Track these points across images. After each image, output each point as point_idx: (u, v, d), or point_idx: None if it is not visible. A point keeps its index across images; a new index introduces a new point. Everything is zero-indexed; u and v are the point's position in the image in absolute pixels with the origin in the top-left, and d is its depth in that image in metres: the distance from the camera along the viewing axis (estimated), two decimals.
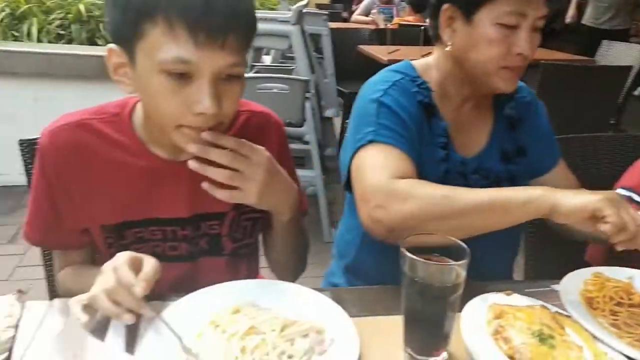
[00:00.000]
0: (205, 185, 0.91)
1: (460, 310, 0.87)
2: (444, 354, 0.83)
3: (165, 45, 0.82)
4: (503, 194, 0.95)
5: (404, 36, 4.58)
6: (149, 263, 0.87)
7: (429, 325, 0.82)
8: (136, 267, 0.85)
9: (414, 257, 0.77)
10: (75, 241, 1.08)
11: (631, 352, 0.82)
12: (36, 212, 1.06)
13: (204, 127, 0.89)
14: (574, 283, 0.98)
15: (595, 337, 0.85)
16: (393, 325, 0.86)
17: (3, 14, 3.73)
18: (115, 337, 0.82)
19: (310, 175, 3.16)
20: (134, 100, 1.04)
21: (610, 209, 0.86)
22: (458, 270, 0.78)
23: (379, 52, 4.21)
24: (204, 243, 1.09)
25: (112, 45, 0.90)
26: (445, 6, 1.12)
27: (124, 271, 0.82)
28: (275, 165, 0.97)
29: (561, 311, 0.90)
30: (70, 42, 3.83)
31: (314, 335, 0.84)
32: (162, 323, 0.83)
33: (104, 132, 1.01)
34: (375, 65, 4.75)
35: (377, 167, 1.04)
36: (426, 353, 0.82)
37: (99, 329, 0.84)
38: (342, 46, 4.51)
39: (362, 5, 6.78)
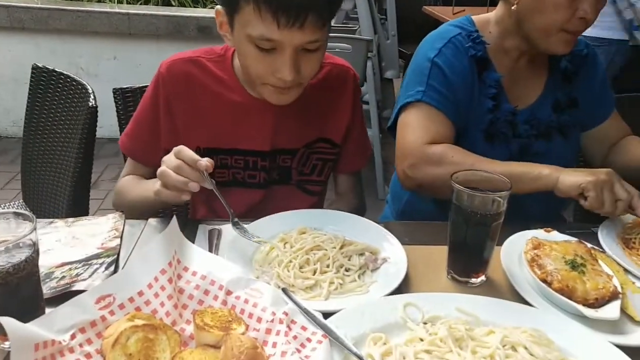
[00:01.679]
0: None
1: (501, 244, 0.97)
2: (482, 277, 0.94)
3: (254, 23, 0.97)
4: (518, 169, 1.07)
5: None
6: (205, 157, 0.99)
7: (470, 251, 0.92)
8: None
9: (462, 187, 0.88)
10: (157, 159, 1.16)
11: None
12: (137, 127, 1.24)
13: (285, 87, 1.05)
14: (614, 226, 1.05)
15: (626, 270, 0.93)
16: (439, 253, 0.98)
17: None
18: (200, 244, 0.99)
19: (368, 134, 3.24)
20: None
21: (593, 191, 0.99)
22: (499, 200, 0.87)
23: (444, 12, 4.16)
24: (275, 174, 1.25)
25: (218, 7, 1.06)
26: None
27: (186, 151, 0.96)
28: None
29: (597, 248, 0.98)
30: (146, 3, 4.03)
31: (368, 254, 0.96)
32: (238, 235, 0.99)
33: (210, 69, 1.19)
34: None
35: (418, 128, 1.18)
36: (466, 275, 0.93)
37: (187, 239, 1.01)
38: (406, 7, 4.47)
39: None
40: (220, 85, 1.19)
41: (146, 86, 1.52)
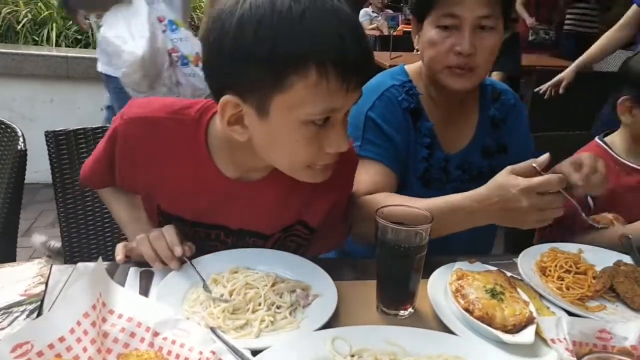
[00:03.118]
0: None
1: (428, 277, 1.01)
2: (410, 309, 0.96)
3: (316, 97, 0.82)
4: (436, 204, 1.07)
5: (407, 42, 4.71)
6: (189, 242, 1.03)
7: (397, 283, 0.95)
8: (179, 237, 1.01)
9: (386, 222, 0.91)
10: (115, 184, 1.19)
11: (570, 307, 0.96)
12: (96, 163, 1.15)
13: (333, 162, 0.95)
14: (532, 255, 1.12)
15: (541, 296, 0.99)
16: (370, 288, 1.00)
17: (25, 19, 3.91)
18: (131, 286, 0.98)
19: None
20: (214, 110, 1.03)
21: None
22: (421, 233, 0.91)
23: (382, 57, 4.36)
24: None
25: (229, 97, 0.87)
26: (412, 17, 1.28)
27: (171, 231, 1.00)
28: None
29: (516, 276, 1.04)
30: (86, 46, 4.01)
31: (300, 291, 0.97)
32: (173, 272, 1.01)
33: (176, 136, 1.03)
34: (379, 71, 4.89)
35: (356, 182, 1.20)
36: (394, 307, 0.96)
37: (118, 281, 0.99)
38: None
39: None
40: (185, 157, 1.03)
41: (81, 129, 1.52)
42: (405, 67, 1.36)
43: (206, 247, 1.13)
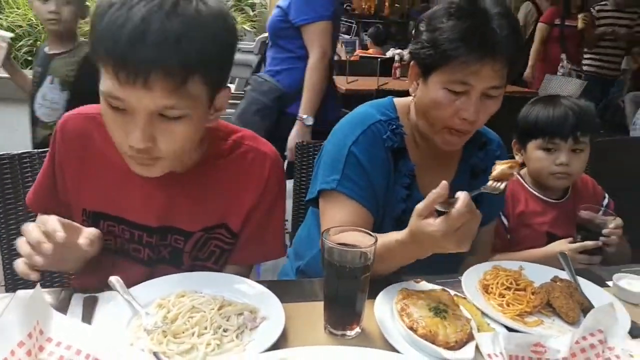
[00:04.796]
0: None
1: (375, 297, 1.03)
2: (357, 329, 0.98)
3: (113, 86, 0.89)
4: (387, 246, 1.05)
5: (363, 67, 4.83)
6: (91, 228, 1.01)
7: (343, 303, 0.96)
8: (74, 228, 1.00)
9: (331, 243, 0.93)
10: (62, 212, 1.13)
11: (509, 323, 1.00)
12: (40, 181, 1.21)
13: (140, 158, 0.96)
14: (475, 273, 1.16)
15: (483, 313, 1.02)
16: (318, 309, 1.01)
17: None
18: (73, 313, 0.96)
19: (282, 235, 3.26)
20: None
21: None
22: (366, 254, 0.93)
23: (339, 82, 4.42)
24: (166, 253, 1.17)
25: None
26: (412, 62, 1.24)
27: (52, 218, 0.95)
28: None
29: (460, 294, 1.07)
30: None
31: (247, 314, 0.97)
32: (119, 297, 0.98)
33: (106, 129, 1.03)
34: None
35: (329, 219, 1.20)
36: (342, 328, 0.97)
37: (60, 308, 0.97)
38: None
39: None
40: (111, 148, 1.05)
41: (27, 153, 1.48)
42: (395, 101, 1.32)
43: (130, 251, 1.16)
